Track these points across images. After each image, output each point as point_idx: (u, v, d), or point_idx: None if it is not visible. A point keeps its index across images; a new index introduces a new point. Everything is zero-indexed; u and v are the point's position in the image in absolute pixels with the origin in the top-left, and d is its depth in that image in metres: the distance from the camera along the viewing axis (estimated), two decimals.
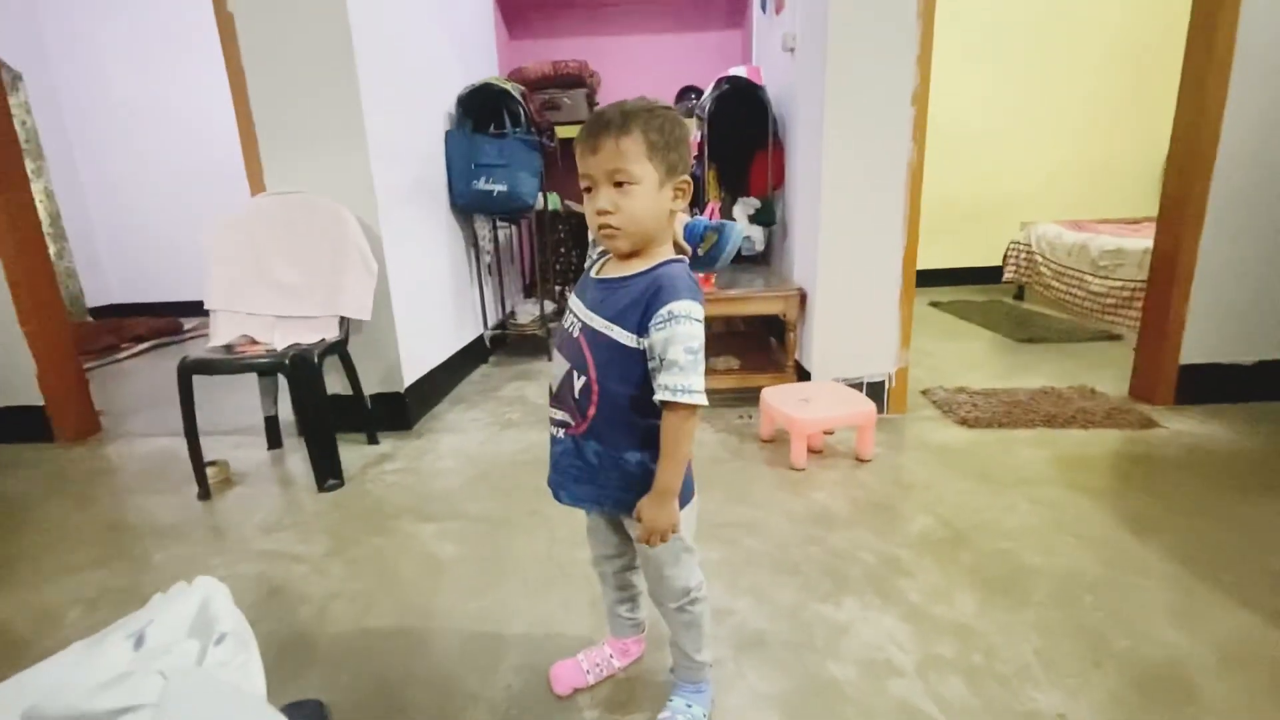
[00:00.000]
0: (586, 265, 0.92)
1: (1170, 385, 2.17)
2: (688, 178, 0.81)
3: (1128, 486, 1.68)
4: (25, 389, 2.22)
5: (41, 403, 2.23)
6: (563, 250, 3.70)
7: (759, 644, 1.14)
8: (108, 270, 4.61)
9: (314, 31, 1.92)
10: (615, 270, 0.84)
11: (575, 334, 0.84)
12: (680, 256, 0.84)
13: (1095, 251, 3.30)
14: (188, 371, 1.74)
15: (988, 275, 4.56)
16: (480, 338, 3.07)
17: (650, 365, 0.79)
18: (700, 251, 0.90)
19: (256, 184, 2.04)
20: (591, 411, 0.82)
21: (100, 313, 4.48)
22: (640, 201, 0.77)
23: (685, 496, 0.88)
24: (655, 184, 0.78)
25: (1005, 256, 4.24)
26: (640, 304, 0.78)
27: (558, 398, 0.87)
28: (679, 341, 0.75)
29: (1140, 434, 1.98)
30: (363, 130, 1.99)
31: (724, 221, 0.89)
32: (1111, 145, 4.46)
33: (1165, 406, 2.16)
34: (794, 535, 1.49)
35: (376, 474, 1.91)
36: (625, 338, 0.79)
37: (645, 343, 0.78)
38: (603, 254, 0.89)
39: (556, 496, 0.91)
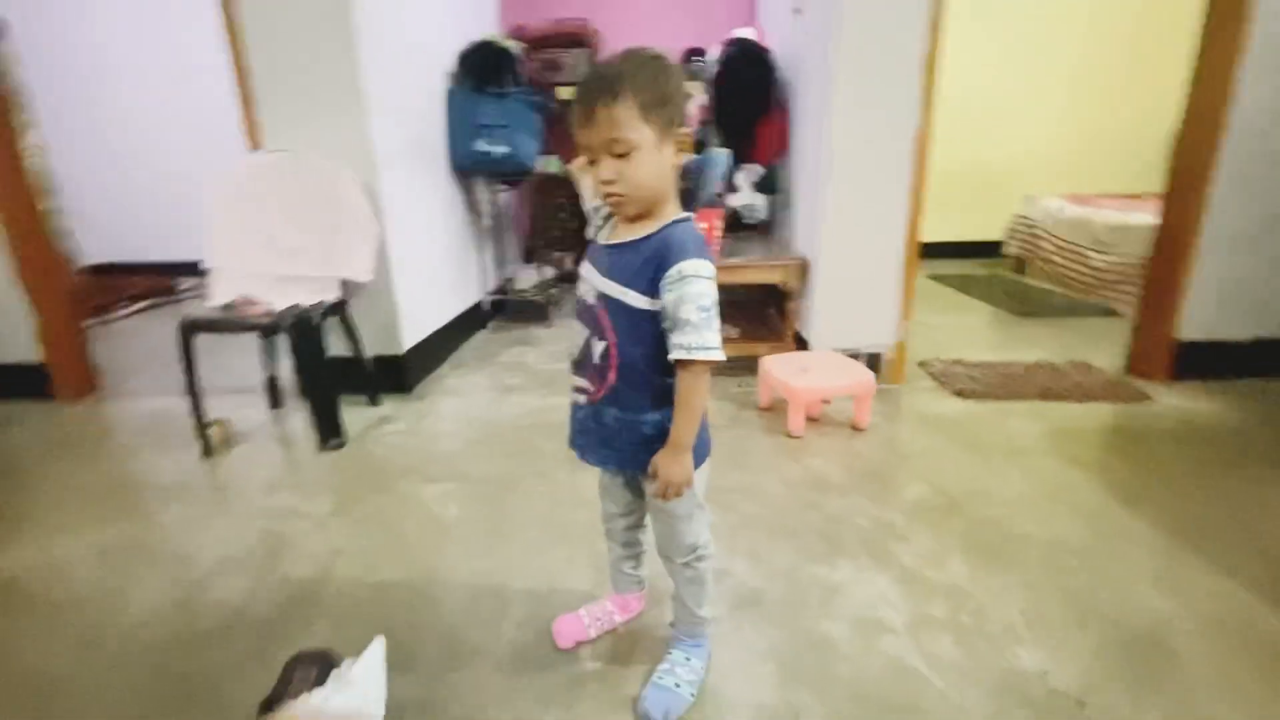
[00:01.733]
0: (591, 232, 0.92)
1: (1167, 361, 2.18)
2: (686, 129, 0.80)
3: (1119, 459, 1.71)
4: (25, 346, 2.21)
5: (41, 360, 2.23)
6: (562, 215, 3.66)
7: (755, 603, 1.17)
8: (98, 229, 4.52)
9: None
10: (624, 234, 0.84)
11: (591, 301, 0.85)
12: (688, 215, 0.84)
13: (1098, 226, 3.28)
14: (189, 330, 1.74)
15: (989, 250, 4.53)
16: (479, 303, 3.06)
17: (664, 325, 0.80)
18: (683, 185, 0.89)
19: (255, 142, 2.01)
20: (612, 376, 0.84)
21: (92, 272, 4.42)
22: (643, 166, 0.77)
23: (701, 454, 0.89)
24: (655, 143, 0.77)
25: (1007, 230, 4.22)
26: (650, 266, 0.79)
27: (579, 365, 0.89)
28: (691, 300, 0.76)
29: (1134, 408, 2.00)
30: (361, 88, 1.95)
31: (705, 155, 0.88)
32: (1116, 118, 4.40)
33: (1161, 382, 2.18)
34: (790, 500, 1.52)
35: (378, 435, 1.93)
36: (639, 300, 0.80)
37: (658, 304, 0.79)
38: (607, 218, 0.89)
39: (582, 457, 0.94)
